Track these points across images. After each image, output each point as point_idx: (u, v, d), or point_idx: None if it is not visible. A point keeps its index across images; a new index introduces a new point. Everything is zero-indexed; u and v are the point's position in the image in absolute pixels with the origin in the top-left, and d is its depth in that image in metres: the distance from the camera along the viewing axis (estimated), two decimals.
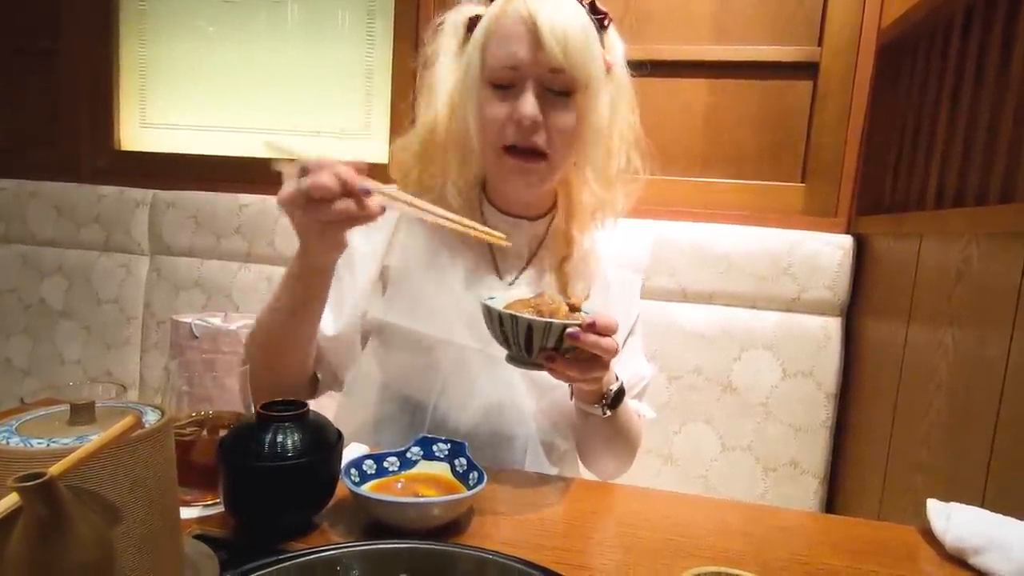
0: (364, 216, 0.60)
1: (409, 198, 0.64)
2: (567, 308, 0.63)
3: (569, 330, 0.59)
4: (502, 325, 0.61)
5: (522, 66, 0.72)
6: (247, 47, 1.64)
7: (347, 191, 0.58)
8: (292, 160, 0.60)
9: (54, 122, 1.70)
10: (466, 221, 0.65)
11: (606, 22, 0.78)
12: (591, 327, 0.60)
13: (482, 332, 0.73)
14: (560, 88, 0.73)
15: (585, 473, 0.90)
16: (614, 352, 0.62)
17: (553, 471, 0.84)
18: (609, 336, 0.61)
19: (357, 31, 1.59)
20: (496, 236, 0.66)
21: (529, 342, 0.60)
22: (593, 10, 0.76)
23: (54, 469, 0.32)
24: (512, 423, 0.81)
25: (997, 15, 0.84)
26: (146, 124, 1.71)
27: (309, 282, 0.69)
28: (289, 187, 0.59)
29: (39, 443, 0.36)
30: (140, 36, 1.69)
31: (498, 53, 0.73)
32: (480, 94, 0.75)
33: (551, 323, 0.59)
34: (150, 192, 1.57)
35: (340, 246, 0.64)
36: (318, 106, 1.62)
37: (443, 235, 0.81)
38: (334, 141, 1.61)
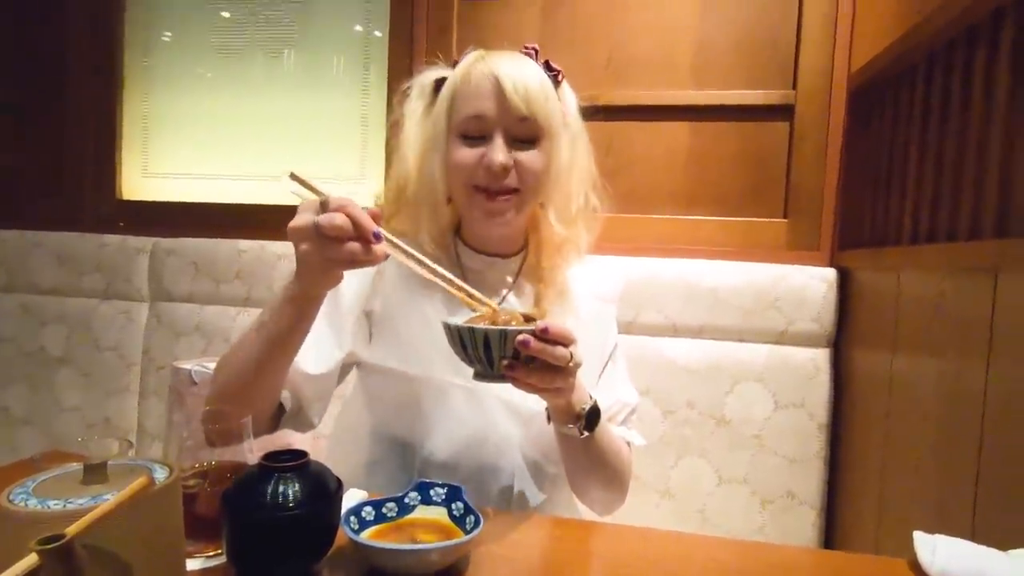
0: (367, 261, 0.61)
1: (412, 251, 0.66)
2: (523, 319, 0.66)
3: (520, 337, 0.61)
4: (462, 340, 0.63)
5: (490, 118, 0.78)
6: (246, 97, 1.70)
7: (358, 234, 0.60)
8: (317, 195, 0.62)
9: (59, 173, 1.74)
10: (460, 283, 0.68)
11: (560, 78, 0.86)
12: (544, 332, 0.62)
13: (460, 365, 0.75)
14: (526, 136, 0.79)
15: (580, 505, 0.90)
16: (566, 361, 0.63)
17: (541, 498, 0.85)
18: (564, 345, 0.63)
19: (352, 80, 1.65)
20: (487, 302, 0.68)
21: (488, 353, 0.63)
22: (548, 68, 0.84)
23: (71, 530, 0.34)
24: (497, 454, 0.83)
25: (956, 60, 0.89)
26: (148, 174, 1.76)
27: (300, 309, 0.68)
28: (302, 219, 0.61)
29: (56, 504, 0.37)
30: (144, 89, 1.75)
31: (466, 108, 0.79)
32: (448, 145, 0.81)
33: (506, 331, 0.62)
34: (151, 240, 1.61)
35: (336, 281, 0.66)
36: (315, 153, 1.67)
37: (420, 275, 0.84)
38: (332, 186, 1.66)
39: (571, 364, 0.64)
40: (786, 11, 1.30)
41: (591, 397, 0.74)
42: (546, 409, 0.75)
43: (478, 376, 0.66)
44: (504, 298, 0.87)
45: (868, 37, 1.21)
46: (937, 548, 0.61)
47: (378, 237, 0.61)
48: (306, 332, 0.72)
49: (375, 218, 0.62)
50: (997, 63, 0.79)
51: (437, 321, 0.81)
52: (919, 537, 0.63)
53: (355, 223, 0.60)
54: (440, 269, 0.67)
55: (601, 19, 1.39)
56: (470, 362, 0.65)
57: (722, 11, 1.34)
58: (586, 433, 0.73)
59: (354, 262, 0.61)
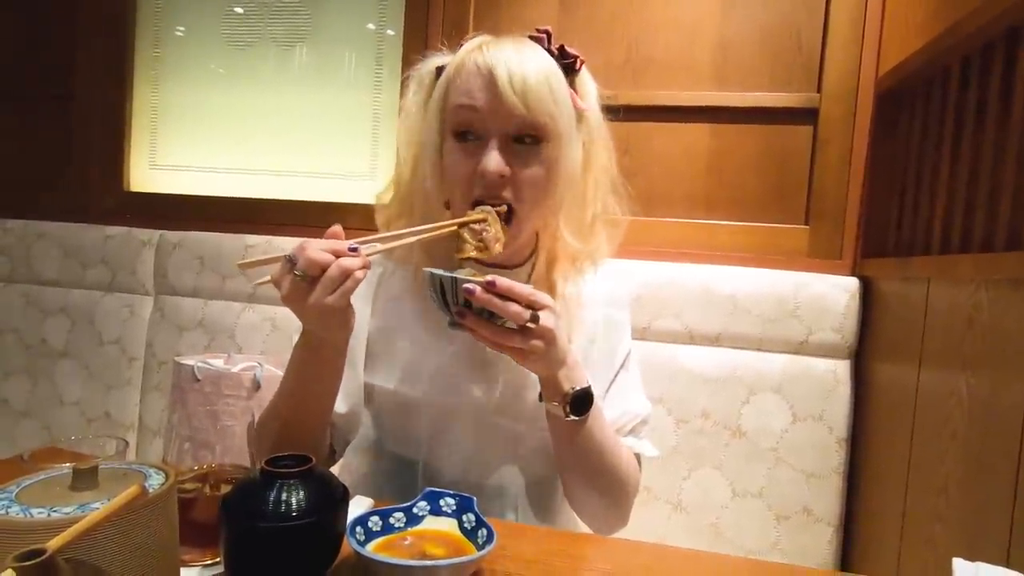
0: (363, 267, 0.62)
1: (388, 235, 0.67)
2: None
3: (465, 286, 0.61)
4: (428, 286, 0.66)
5: (483, 115, 0.70)
6: (257, 91, 1.67)
7: (338, 256, 0.60)
8: (273, 261, 0.63)
9: (66, 164, 1.72)
10: (443, 223, 0.69)
11: (577, 65, 0.76)
12: (491, 285, 0.61)
13: (456, 384, 0.72)
14: (526, 138, 0.71)
15: (584, 529, 0.86)
16: (521, 320, 0.62)
17: (543, 521, 0.82)
18: (521, 304, 0.62)
19: (365, 75, 1.62)
20: (476, 216, 0.69)
21: (444, 298, 0.64)
22: (562, 54, 0.74)
23: (53, 544, 0.31)
24: (497, 473, 0.79)
25: (995, 65, 0.86)
26: (156, 166, 1.74)
27: (329, 363, 0.70)
28: (286, 284, 0.61)
29: (40, 513, 0.34)
30: (153, 81, 1.73)
31: (458, 104, 0.71)
32: (444, 146, 0.74)
33: (455, 278, 0.62)
34: (157, 232, 1.58)
35: (349, 318, 0.66)
36: (326, 149, 1.64)
37: (416, 292, 0.81)
38: (341, 183, 1.63)
39: (532, 326, 0.63)
40: (812, 10, 1.27)
41: (587, 382, 0.71)
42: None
43: (450, 324, 0.67)
44: None
45: (897, 38, 1.17)
46: None
47: (354, 250, 0.61)
48: (339, 381, 0.73)
49: (336, 236, 0.63)
50: None
51: (429, 342, 0.80)
52: (959, 564, 0.59)
53: (330, 250, 0.60)
54: (419, 229, 0.68)
55: (620, 16, 1.36)
56: (444, 310, 0.66)
57: (745, 10, 1.30)
58: (572, 416, 0.69)
59: (354, 276, 0.61)
